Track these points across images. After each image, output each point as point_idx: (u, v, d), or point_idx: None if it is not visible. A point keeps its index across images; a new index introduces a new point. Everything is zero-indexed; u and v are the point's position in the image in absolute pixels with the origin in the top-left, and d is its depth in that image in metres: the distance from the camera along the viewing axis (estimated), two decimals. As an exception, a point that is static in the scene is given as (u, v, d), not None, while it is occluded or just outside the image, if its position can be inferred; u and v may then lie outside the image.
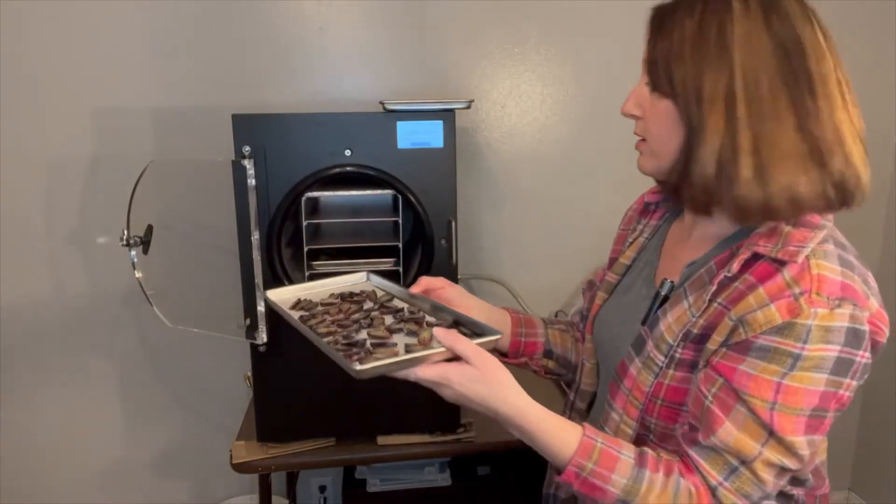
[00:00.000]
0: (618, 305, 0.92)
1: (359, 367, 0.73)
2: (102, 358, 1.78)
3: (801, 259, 0.68)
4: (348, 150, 1.24)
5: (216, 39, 1.65)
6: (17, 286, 1.71)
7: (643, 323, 0.83)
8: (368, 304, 0.96)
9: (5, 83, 1.60)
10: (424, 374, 0.74)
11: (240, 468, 1.34)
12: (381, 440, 1.39)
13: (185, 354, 1.81)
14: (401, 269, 1.32)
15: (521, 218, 1.86)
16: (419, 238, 1.31)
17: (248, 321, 1.29)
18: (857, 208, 0.73)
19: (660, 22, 0.75)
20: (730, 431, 0.69)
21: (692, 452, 0.72)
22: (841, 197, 0.71)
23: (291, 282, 1.29)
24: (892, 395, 2.04)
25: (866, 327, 0.67)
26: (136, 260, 1.34)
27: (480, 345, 0.75)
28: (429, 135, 1.25)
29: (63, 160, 1.66)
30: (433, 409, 1.38)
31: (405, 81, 1.74)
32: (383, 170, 1.26)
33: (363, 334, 0.85)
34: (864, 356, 0.68)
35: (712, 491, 0.71)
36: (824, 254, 0.69)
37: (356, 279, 1.06)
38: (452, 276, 1.30)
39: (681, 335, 0.76)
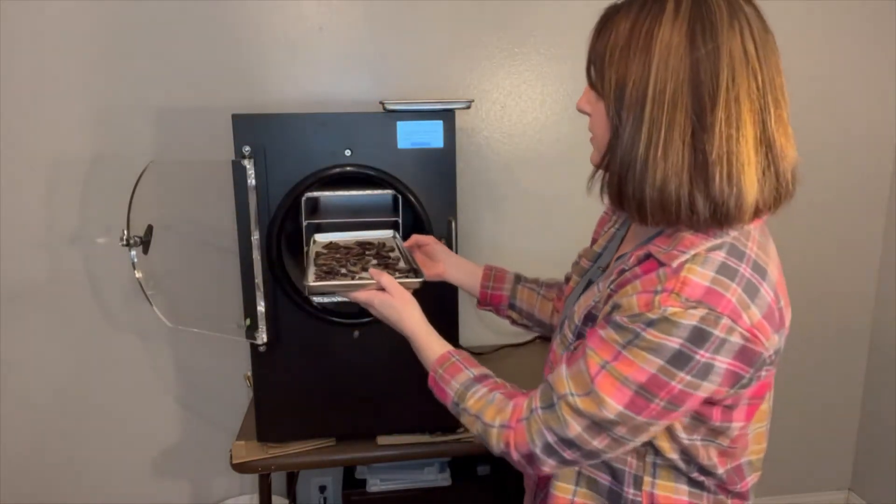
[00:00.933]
0: (579, 290, 0.98)
1: (310, 283, 1.04)
2: (102, 358, 1.78)
3: (675, 264, 0.71)
4: (348, 150, 1.24)
5: (216, 39, 1.65)
6: (17, 286, 1.71)
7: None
8: (371, 251, 1.23)
9: (5, 83, 1.60)
10: (357, 296, 1.01)
11: (240, 468, 1.34)
12: (381, 440, 1.39)
13: (185, 354, 1.81)
14: (401, 269, 1.32)
15: (521, 218, 1.86)
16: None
17: (248, 321, 1.29)
18: (738, 228, 0.74)
19: (603, 22, 0.77)
20: (560, 372, 0.78)
21: (540, 386, 0.83)
22: (716, 215, 0.71)
23: (291, 282, 1.29)
24: (892, 396, 2.04)
25: (716, 331, 0.68)
26: (136, 260, 1.33)
27: (402, 284, 1.01)
28: (429, 135, 1.25)
29: (63, 160, 1.66)
30: (433, 409, 1.38)
31: (405, 81, 1.74)
32: (383, 170, 1.26)
33: (343, 269, 1.13)
34: (704, 356, 0.68)
35: (529, 412, 0.80)
36: (704, 260, 0.71)
37: (383, 234, 1.35)
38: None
39: (584, 316, 0.83)
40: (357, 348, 1.33)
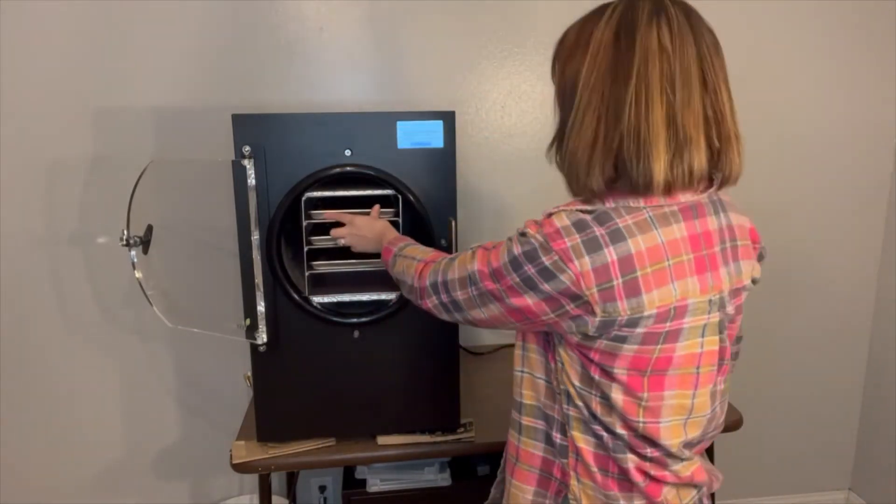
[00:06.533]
0: None
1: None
2: (102, 358, 1.78)
3: (547, 213, 0.86)
4: (348, 150, 1.24)
5: (216, 39, 1.65)
6: (17, 286, 1.71)
7: None
8: None
9: (6, 83, 1.60)
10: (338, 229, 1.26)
11: (240, 468, 1.34)
12: (381, 440, 1.39)
13: (185, 354, 1.82)
14: (401, 269, 1.32)
15: (522, 218, 1.85)
16: (419, 238, 1.31)
17: (248, 321, 1.29)
18: (653, 199, 0.83)
19: (563, 32, 0.94)
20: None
21: None
22: (626, 184, 0.83)
23: (291, 282, 1.29)
24: (892, 396, 2.04)
25: (543, 258, 0.82)
26: (136, 260, 1.34)
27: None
28: (429, 135, 1.25)
29: (63, 160, 1.66)
30: (433, 409, 1.38)
31: (405, 81, 1.74)
32: (383, 170, 1.26)
33: None
34: (530, 270, 0.83)
35: (440, 259, 1.02)
36: (570, 213, 0.83)
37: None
38: (452, 276, 1.30)
39: None
40: (357, 348, 1.33)
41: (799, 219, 1.99)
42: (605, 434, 0.89)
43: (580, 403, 0.89)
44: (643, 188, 0.81)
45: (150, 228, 1.36)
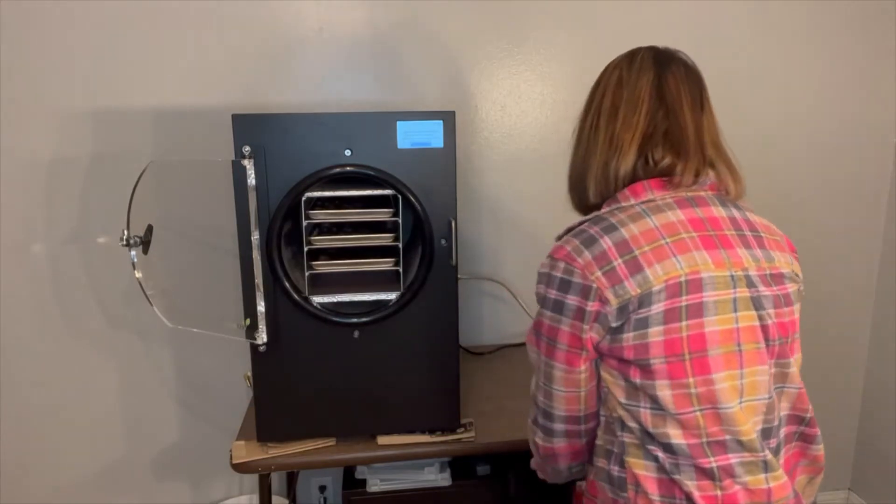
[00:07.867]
0: None
1: None
2: (102, 358, 1.78)
3: (558, 237, 0.94)
4: (348, 150, 1.24)
5: (216, 39, 1.65)
6: (17, 286, 1.71)
7: None
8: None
9: (5, 83, 1.61)
10: None
11: (240, 468, 1.34)
12: (381, 440, 1.39)
13: (185, 354, 1.82)
14: (401, 269, 1.32)
15: (521, 218, 1.86)
16: (419, 238, 1.32)
17: (248, 321, 1.29)
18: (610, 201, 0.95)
19: None
20: None
21: None
22: (579, 198, 1.03)
23: (291, 281, 1.29)
24: (892, 395, 2.04)
25: (554, 272, 0.89)
26: (136, 260, 1.34)
27: None
28: (429, 135, 1.25)
29: (63, 160, 1.66)
30: (433, 409, 1.38)
31: (405, 81, 1.74)
32: (383, 170, 1.26)
33: None
34: (552, 293, 0.89)
35: None
36: (577, 232, 0.91)
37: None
38: (452, 275, 1.30)
39: None
40: (357, 348, 1.33)
41: (798, 219, 1.99)
42: (661, 454, 0.85)
43: (633, 424, 0.87)
44: (585, 195, 0.99)
45: (150, 228, 1.37)
